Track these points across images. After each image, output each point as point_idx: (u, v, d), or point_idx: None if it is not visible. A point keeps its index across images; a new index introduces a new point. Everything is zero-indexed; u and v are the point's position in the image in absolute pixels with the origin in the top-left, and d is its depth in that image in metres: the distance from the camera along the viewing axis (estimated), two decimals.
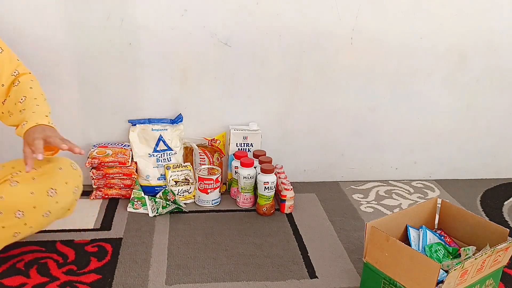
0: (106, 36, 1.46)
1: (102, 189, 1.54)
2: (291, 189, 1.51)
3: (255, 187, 1.53)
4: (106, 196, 1.55)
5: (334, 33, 1.54)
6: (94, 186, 1.53)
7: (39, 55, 1.44)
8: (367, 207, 1.59)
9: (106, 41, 1.47)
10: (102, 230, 1.38)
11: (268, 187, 1.46)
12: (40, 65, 1.46)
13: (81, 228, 1.38)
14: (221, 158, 1.63)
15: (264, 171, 1.46)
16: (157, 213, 1.46)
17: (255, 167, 1.53)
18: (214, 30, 1.50)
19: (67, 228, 1.37)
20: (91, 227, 1.39)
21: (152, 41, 1.49)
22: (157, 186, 1.57)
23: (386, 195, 1.68)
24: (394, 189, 1.72)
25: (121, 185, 1.54)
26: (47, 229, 1.34)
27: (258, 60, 1.56)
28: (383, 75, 1.63)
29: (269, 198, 1.49)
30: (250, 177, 1.50)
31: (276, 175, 1.51)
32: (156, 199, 1.49)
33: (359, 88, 1.64)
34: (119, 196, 1.55)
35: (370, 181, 1.78)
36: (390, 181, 1.78)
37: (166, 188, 1.52)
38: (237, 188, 1.55)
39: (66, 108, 1.54)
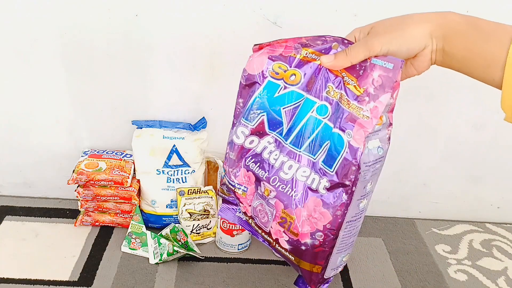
0: (103, 3, 1.01)
1: (91, 214, 1.13)
2: None
3: None
4: (97, 224, 1.14)
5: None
6: (80, 209, 1.13)
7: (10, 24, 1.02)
8: (458, 270, 1.12)
9: (104, 11, 1.02)
10: (79, 287, 0.98)
11: None
12: (12, 40, 1.04)
13: (51, 280, 0.99)
14: None
15: None
16: (160, 259, 1.04)
17: None
18: (259, 3, 1.01)
19: (31, 278, 0.98)
20: (66, 278, 0.99)
21: (166, 12, 1.02)
22: (165, 216, 1.14)
23: (484, 250, 1.19)
24: (495, 239, 1.23)
25: (117, 211, 1.13)
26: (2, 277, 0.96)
27: None
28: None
29: None
30: None
31: None
32: (161, 240, 1.07)
33: (463, 98, 1.13)
34: (113, 225, 1.15)
35: (458, 221, 1.29)
36: (487, 225, 1.29)
37: (176, 225, 1.10)
38: None
39: (48, 100, 1.12)
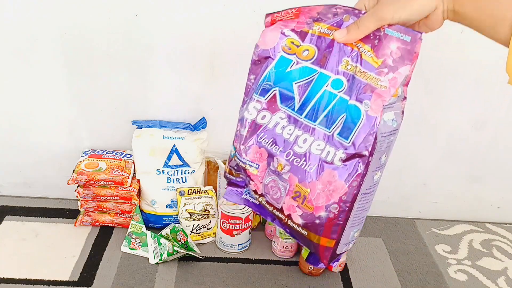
0: (103, 3, 1.01)
1: (91, 214, 1.13)
2: None
3: None
4: (97, 224, 1.14)
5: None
6: (80, 209, 1.13)
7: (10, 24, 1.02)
8: (458, 270, 1.12)
9: (104, 11, 1.01)
10: (79, 287, 0.98)
11: None
12: (12, 40, 1.04)
13: (51, 280, 0.99)
14: None
15: None
16: (160, 259, 1.04)
17: None
18: (259, 3, 1.01)
19: (31, 278, 0.98)
20: (66, 278, 0.99)
21: (166, 12, 1.02)
22: (165, 216, 1.14)
23: (484, 250, 1.19)
24: (495, 239, 1.23)
25: (117, 211, 1.13)
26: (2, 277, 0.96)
27: None
28: (499, 77, 1.10)
29: None
30: None
31: None
32: (161, 240, 1.07)
33: (463, 94, 1.13)
34: (113, 225, 1.15)
35: (458, 221, 1.28)
36: (487, 225, 1.29)
37: (176, 225, 1.10)
38: (275, 228, 1.11)
39: (48, 100, 1.12)
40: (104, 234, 1.13)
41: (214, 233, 1.13)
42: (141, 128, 1.14)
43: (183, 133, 1.13)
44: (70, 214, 1.18)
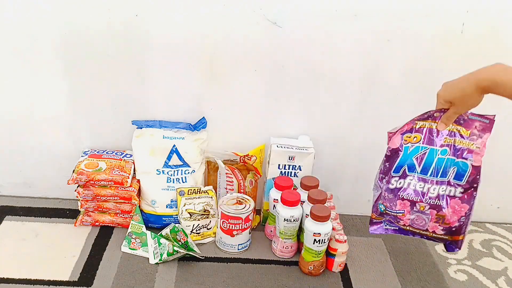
0: (103, 3, 1.01)
1: (91, 214, 1.13)
2: (345, 240, 1.06)
3: (300, 229, 1.08)
4: (97, 224, 1.14)
5: (436, 14, 1.03)
6: (80, 209, 1.13)
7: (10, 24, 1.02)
8: (458, 270, 1.12)
9: (104, 11, 1.01)
10: (79, 287, 0.98)
11: (319, 240, 1.01)
12: (12, 40, 1.04)
13: (51, 280, 0.99)
14: (256, 180, 1.18)
15: (316, 217, 1.00)
16: (160, 259, 1.04)
17: (302, 202, 1.08)
18: (259, 3, 1.01)
19: (31, 278, 0.98)
20: (66, 278, 0.99)
21: (166, 13, 1.02)
22: (165, 216, 1.14)
23: (484, 250, 1.19)
24: (495, 239, 1.23)
25: (117, 211, 1.13)
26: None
27: (319, 48, 1.06)
28: None
29: (319, 254, 1.04)
30: (294, 220, 1.05)
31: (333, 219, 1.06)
32: (161, 240, 1.07)
33: None
34: (113, 225, 1.15)
35: None
36: (487, 225, 1.29)
37: (176, 225, 1.10)
38: (275, 228, 1.11)
39: (48, 100, 1.12)
40: (104, 234, 1.13)
41: (214, 233, 1.13)
42: (141, 128, 1.14)
43: (183, 133, 1.13)
44: (70, 214, 1.18)
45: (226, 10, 1.02)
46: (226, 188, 1.17)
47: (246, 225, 1.07)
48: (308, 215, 1.03)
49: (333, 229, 1.05)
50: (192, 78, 1.10)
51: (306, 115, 1.15)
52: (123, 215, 1.13)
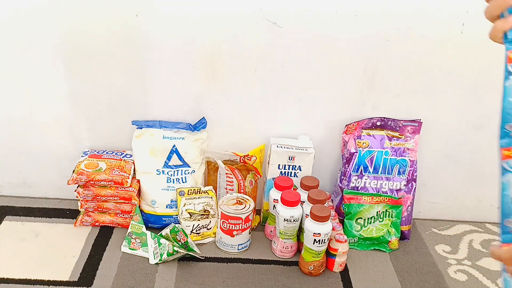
0: (103, 3, 1.01)
1: (91, 214, 1.13)
2: (345, 240, 1.05)
3: (300, 229, 1.08)
4: (97, 224, 1.14)
5: (436, 16, 1.03)
6: (80, 209, 1.13)
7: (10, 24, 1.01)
8: (458, 271, 1.12)
9: (104, 11, 1.01)
10: (79, 287, 0.98)
11: (319, 240, 1.01)
12: (11, 40, 1.04)
13: (51, 280, 0.99)
14: (256, 180, 1.18)
15: (316, 217, 1.00)
16: (160, 260, 1.04)
17: (302, 202, 1.08)
18: (259, 3, 1.01)
19: (31, 278, 0.98)
20: (66, 278, 0.99)
21: (167, 13, 1.02)
22: (165, 216, 1.14)
23: (484, 250, 1.19)
24: (495, 239, 1.23)
25: (117, 211, 1.13)
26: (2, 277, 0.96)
27: (320, 49, 1.06)
28: (497, 80, 1.10)
29: (319, 254, 1.04)
30: (294, 220, 1.05)
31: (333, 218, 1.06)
32: (161, 240, 1.07)
33: (462, 96, 1.13)
34: (113, 225, 1.15)
35: (458, 222, 1.29)
36: (487, 225, 1.29)
37: (176, 225, 1.10)
38: (275, 228, 1.11)
39: (48, 100, 1.12)
40: (104, 234, 1.13)
41: (214, 233, 1.13)
42: (141, 128, 1.14)
43: (183, 133, 1.13)
44: (70, 214, 1.18)
45: (226, 10, 1.02)
46: (226, 188, 1.17)
47: (246, 225, 1.07)
48: (308, 215, 1.03)
49: (333, 229, 1.05)
50: (192, 78, 1.10)
51: (306, 115, 1.15)
52: (123, 215, 1.13)
